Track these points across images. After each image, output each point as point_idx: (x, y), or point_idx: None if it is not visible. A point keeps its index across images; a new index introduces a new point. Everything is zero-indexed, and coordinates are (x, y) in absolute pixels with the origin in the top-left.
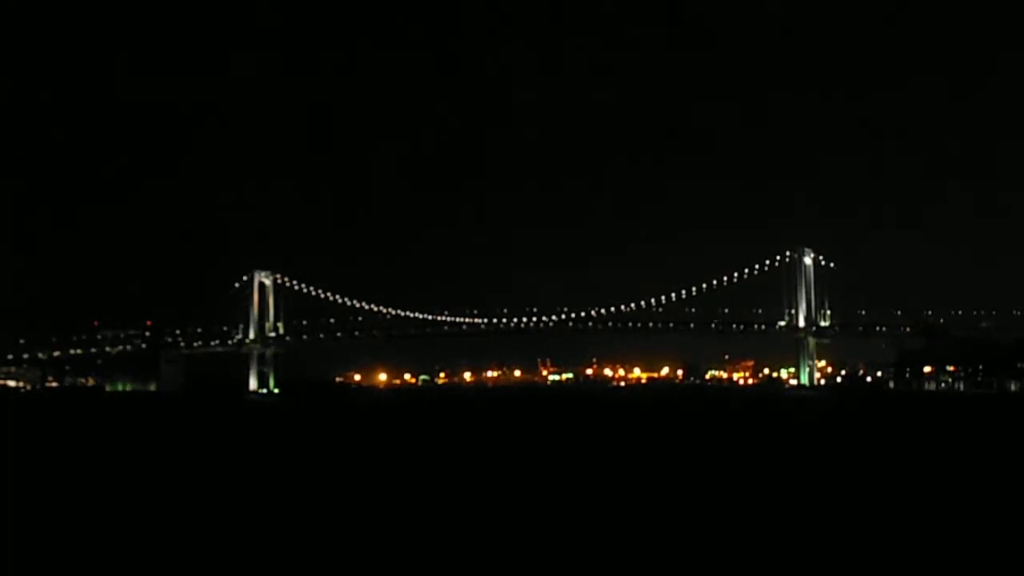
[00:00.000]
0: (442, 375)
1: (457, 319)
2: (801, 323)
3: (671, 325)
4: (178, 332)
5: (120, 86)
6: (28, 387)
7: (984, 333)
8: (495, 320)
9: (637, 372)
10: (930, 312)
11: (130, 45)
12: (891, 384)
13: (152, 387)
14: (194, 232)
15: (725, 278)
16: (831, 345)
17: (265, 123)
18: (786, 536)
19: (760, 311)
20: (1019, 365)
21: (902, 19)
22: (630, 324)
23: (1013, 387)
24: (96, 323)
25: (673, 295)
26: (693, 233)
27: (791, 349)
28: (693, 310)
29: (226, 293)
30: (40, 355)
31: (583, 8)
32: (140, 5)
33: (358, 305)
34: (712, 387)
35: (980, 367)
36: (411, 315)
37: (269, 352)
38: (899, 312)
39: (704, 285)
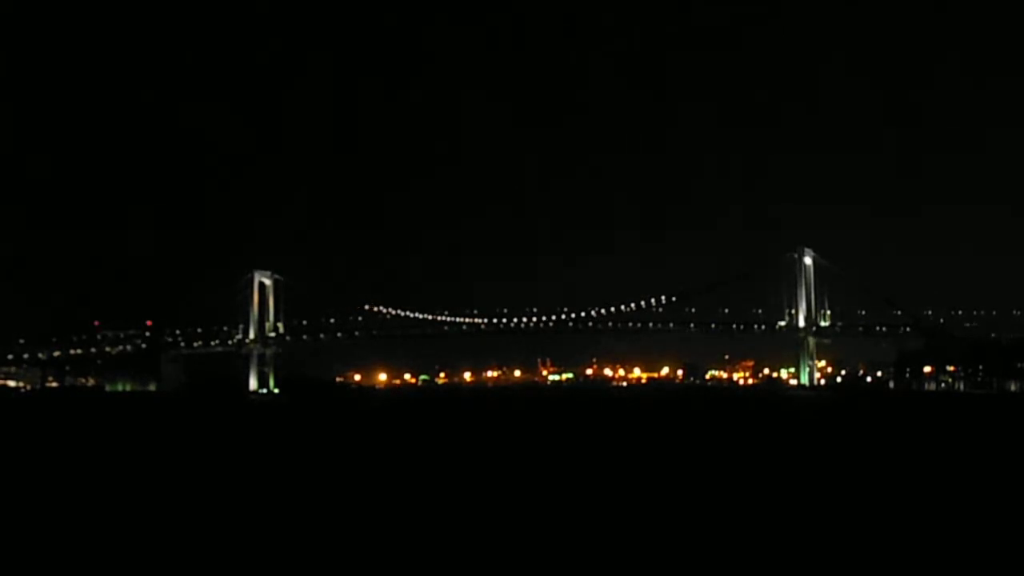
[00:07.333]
0: (442, 375)
1: (457, 319)
2: (801, 323)
3: (671, 325)
4: (178, 332)
5: (121, 88)
6: (28, 387)
7: (984, 333)
8: (495, 320)
9: (637, 372)
10: (930, 312)
11: (129, 49)
12: (891, 384)
13: (152, 387)
14: (194, 232)
15: (724, 278)
16: (831, 345)
17: (266, 124)
18: (784, 535)
19: (760, 311)
20: (1019, 365)
21: (902, 15)
22: (630, 324)
23: (1013, 387)
24: (96, 323)
25: (673, 295)
26: (693, 233)
27: (791, 349)
28: (693, 310)
29: (226, 293)
30: (40, 355)
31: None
32: (146, 13)
33: (358, 305)
34: (713, 387)
35: (980, 367)
36: (411, 315)
37: (269, 352)
38: (899, 312)
39: (704, 285)
